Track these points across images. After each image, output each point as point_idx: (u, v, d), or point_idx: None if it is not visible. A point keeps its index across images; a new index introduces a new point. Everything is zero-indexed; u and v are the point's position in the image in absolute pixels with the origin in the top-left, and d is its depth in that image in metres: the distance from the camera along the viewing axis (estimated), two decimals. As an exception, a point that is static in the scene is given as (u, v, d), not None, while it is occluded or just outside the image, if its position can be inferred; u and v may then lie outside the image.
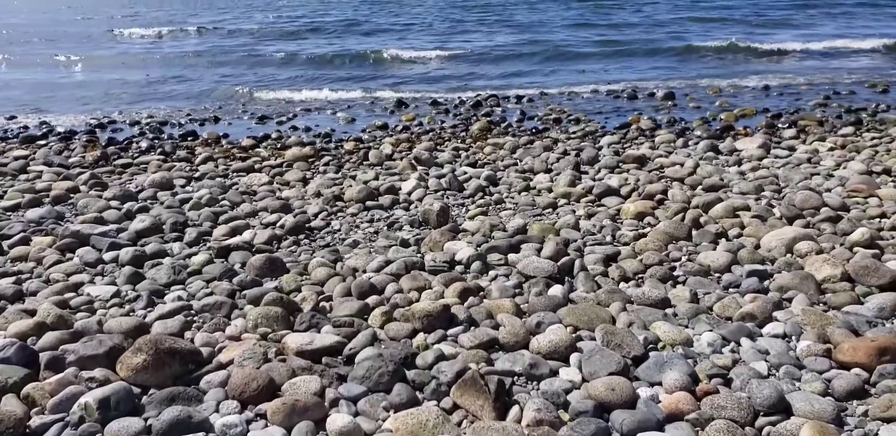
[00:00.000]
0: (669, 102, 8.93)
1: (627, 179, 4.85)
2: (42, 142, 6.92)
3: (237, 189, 5.00)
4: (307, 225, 4.07)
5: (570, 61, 13.42)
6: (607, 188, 4.48)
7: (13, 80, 12.94)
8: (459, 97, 9.73)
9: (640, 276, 3.09)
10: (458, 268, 3.26)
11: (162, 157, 6.06)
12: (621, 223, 3.96)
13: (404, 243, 3.66)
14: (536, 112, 8.44)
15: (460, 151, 6.22)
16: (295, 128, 7.64)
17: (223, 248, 3.49)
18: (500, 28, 19.54)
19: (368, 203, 4.54)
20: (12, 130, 7.67)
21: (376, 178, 5.27)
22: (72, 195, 4.81)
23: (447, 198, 4.74)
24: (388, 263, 3.23)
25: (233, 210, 4.49)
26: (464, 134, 7.15)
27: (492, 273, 3.18)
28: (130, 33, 19.66)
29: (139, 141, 6.88)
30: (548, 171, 5.33)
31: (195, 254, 3.52)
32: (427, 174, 5.38)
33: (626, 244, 3.56)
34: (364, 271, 3.24)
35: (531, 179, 5.11)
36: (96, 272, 3.28)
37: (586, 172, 5.25)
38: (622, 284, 3.00)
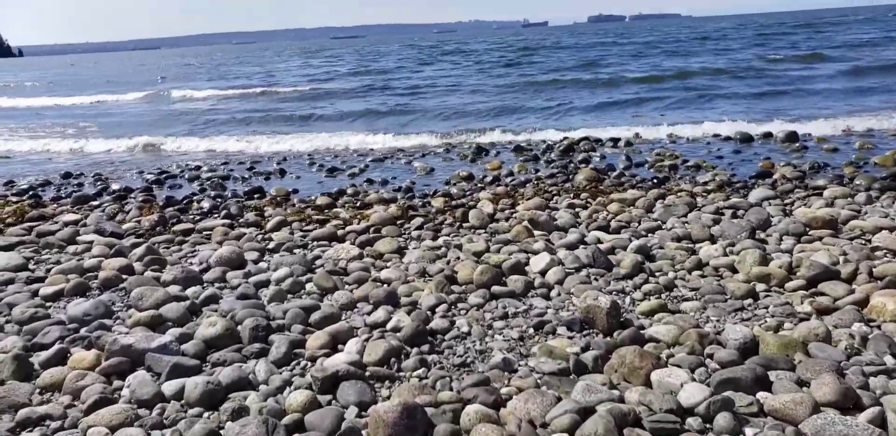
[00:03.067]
0: (795, 144, 7.71)
1: (829, 251, 3.67)
2: (96, 202, 6.14)
3: (323, 266, 4.01)
4: (428, 327, 3.00)
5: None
6: (823, 269, 3.30)
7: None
8: (546, 141, 8.72)
9: None
10: (691, 420, 2.12)
11: (227, 221, 5.16)
12: (878, 327, 2.77)
13: (580, 367, 2.55)
14: (644, 157, 7.34)
15: (578, 210, 5.14)
16: (370, 181, 6.72)
17: (329, 377, 2.43)
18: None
19: (494, 289, 3.47)
20: (66, 189, 6.96)
21: (487, 248, 4.21)
22: (124, 277, 3.89)
23: (595, 279, 3.63)
24: (581, 412, 2.12)
25: (324, 299, 3.48)
26: (568, 185, 6.09)
27: (752, 434, 2.03)
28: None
29: (200, 200, 6.04)
30: (711, 238, 4.18)
31: (289, 383, 2.49)
32: (551, 242, 4.31)
33: (924, 371, 2.37)
34: (545, 425, 2.13)
35: (696, 251, 3.97)
36: (153, 422, 2.25)
37: (765, 241, 4.08)
38: None
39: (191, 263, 4.21)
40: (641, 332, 2.89)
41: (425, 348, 2.82)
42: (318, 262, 4.13)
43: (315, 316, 3.10)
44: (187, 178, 7.28)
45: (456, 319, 3.14)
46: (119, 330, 3.09)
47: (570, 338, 2.93)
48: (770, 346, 2.55)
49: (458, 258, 4.09)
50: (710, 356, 2.61)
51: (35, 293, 3.68)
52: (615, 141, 8.41)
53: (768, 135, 8.37)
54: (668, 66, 19.38)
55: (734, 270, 3.66)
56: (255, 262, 4.18)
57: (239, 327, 3.05)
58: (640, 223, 4.71)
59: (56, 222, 5.37)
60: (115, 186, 6.74)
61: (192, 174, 7.40)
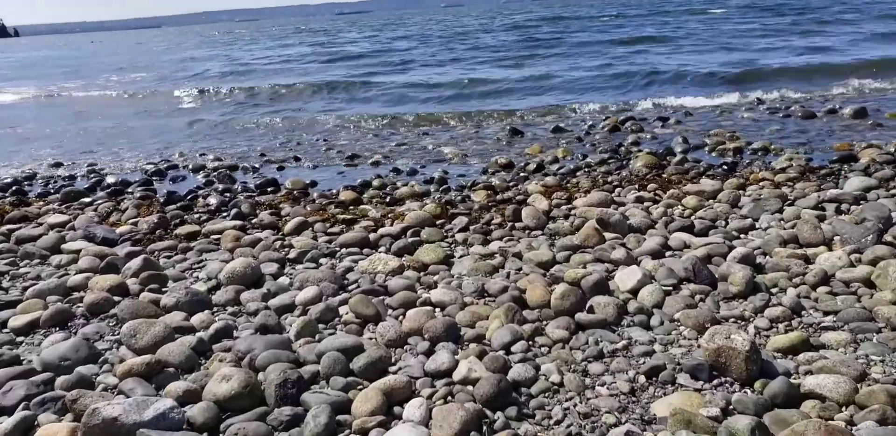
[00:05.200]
0: (868, 121, 6.89)
1: None
2: (88, 199, 5.42)
3: (358, 283, 3.29)
4: (511, 377, 2.28)
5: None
6: None
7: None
8: (587, 121, 7.91)
9: None
10: None
11: (239, 222, 4.44)
12: None
13: (737, 446, 1.83)
14: (699, 138, 6.54)
15: (648, 205, 4.39)
16: (397, 171, 5.98)
17: (393, 472, 1.73)
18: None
19: (579, 316, 2.74)
20: (55, 182, 6.24)
21: (553, 258, 3.48)
22: (116, 299, 3.19)
23: (701, 300, 2.90)
24: None
25: (364, 330, 2.77)
26: (625, 173, 5.33)
27: None
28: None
29: (206, 195, 5.32)
30: (824, 241, 3.43)
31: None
32: (626, 247, 3.57)
33: None
34: None
35: (811, 260, 3.23)
36: None
37: (892, 244, 3.32)
38: None
39: (196, 279, 3.51)
40: (793, 381, 2.17)
41: (512, 411, 2.11)
42: (350, 276, 3.42)
43: (359, 362, 2.38)
44: (191, 168, 6.55)
45: (540, 363, 2.43)
46: (105, 382, 2.39)
47: (698, 390, 2.22)
48: None
49: (521, 270, 3.37)
50: (917, 430, 1.88)
51: (3, 324, 2.98)
52: (664, 120, 7.60)
53: (832, 111, 7.54)
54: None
55: (871, 285, 2.92)
56: (275, 276, 3.47)
57: (261, 376, 2.35)
58: (727, 222, 3.96)
59: (40, 224, 4.68)
60: (110, 180, 6.01)
61: (197, 163, 6.67)
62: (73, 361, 2.50)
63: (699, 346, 2.48)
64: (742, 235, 3.74)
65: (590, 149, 6.43)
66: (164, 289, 3.33)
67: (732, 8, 32.37)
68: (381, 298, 3.07)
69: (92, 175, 6.35)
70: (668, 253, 3.48)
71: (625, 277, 3.06)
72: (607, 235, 3.77)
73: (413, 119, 8.88)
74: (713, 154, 5.98)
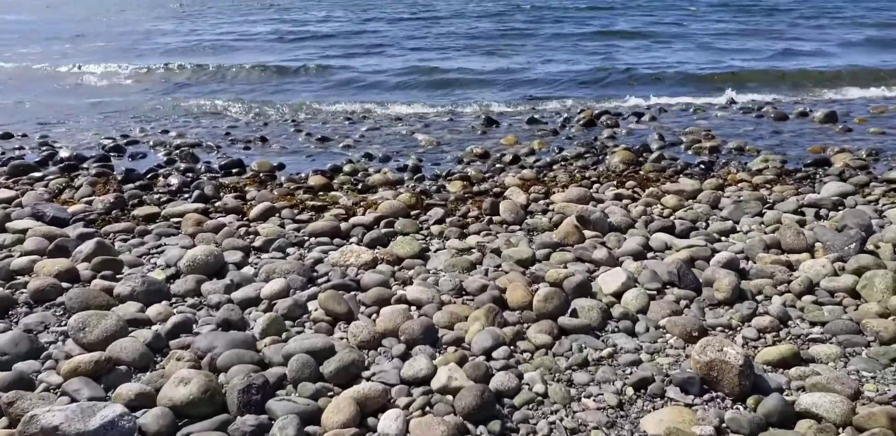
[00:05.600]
0: (838, 126, 6.94)
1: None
2: (38, 174, 5.07)
3: (328, 277, 3.11)
4: (493, 387, 2.15)
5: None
6: None
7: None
8: (562, 114, 7.80)
9: None
10: None
11: (201, 205, 4.19)
12: None
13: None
14: (674, 135, 6.49)
15: (626, 202, 4.30)
16: (369, 156, 5.76)
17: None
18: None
19: (562, 320, 2.62)
20: (2, 154, 5.84)
21: (533, 256, 3.36)
22: (65, 285, 2.94)
23: (687, 307, 2.82)
24: None
25: (334, 332, 2.60)
26: (602, 168, 5.24)
27: None
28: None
29: (167, 174, 5.04)
30: (809, 249, 3.38)
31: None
32: (607, 246, 3.48)
33: None
34: None
35: (794, 267, 3.18)
36: None
37: (875, 254, 3.29)
38: None
39: (154, 266, 3.27)
40: (787, 398, 2.09)
41: (495, 425, 1.97)
42: (319, 268, 3.23)
43: (330, 366, 2.21)
44: (152, 144, 6.21)
45: (523, 370, 2.30)
46: (47, 381, 2.18)
47: (689, 405, 2.12)
48: None
49: (499, 267, 3.24)
50: (917, 456, 1.82)
51: (-62, 311, 2.72)
52: (639, 115, 7.53)
53: (804, 114, 7.59)
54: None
55: (856, 296, 2.88)
56: (239, 266, 3.26)
57: (222, 377, 2.17)
58: (707, 223, 3.89)
59: (-16, 200, 4.34)
60: (64, 154, 5.65)
61: (158, 139, 6.33)
62: (12, 356, 2.27)
63: (687, 356, 2.39)
64: (723, 238, 3.67)
65: (566, 142, 6.31)
66: (118, 276, 3.09)
67: (703, 4, 32.63)
68: (353, 293, 2.90)
69: (44, 148, 5.96)
70: (649, 254, 3.39)
71: (608, 280, 2.95)
72: (587, 233, 3.66)
73: (385, 104, 8.64)
74: (689, 152, 5.92)
